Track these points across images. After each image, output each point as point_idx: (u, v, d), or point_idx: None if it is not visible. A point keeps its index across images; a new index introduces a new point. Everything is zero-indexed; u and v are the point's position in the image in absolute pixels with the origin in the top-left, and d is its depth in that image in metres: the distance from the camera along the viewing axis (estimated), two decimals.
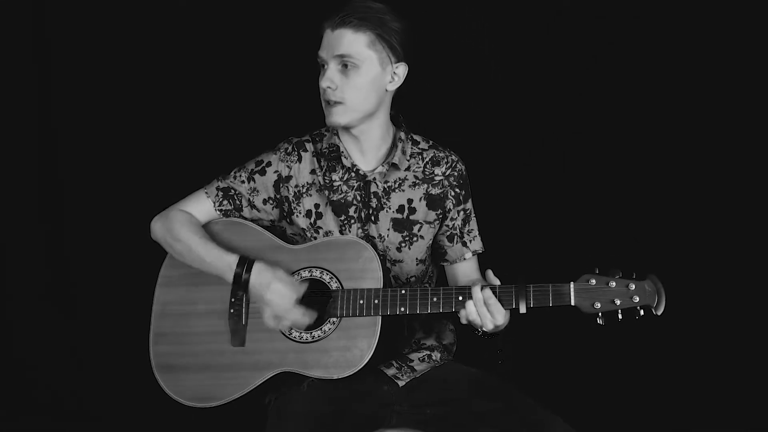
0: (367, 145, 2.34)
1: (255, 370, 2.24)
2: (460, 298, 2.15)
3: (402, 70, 2.29)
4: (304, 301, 2.22)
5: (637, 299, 2.06)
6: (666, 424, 3.13)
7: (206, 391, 2.26)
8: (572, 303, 2.09)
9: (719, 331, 3.13)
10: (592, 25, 3.15)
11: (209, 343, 2.29)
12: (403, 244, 2.36)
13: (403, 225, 2.35)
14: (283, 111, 3.13)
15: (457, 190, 2.39)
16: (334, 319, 2.22)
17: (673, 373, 3.17)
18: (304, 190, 2.36)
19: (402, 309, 2.18)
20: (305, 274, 2.28)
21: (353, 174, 2.34)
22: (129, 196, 3.31)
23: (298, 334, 2.23)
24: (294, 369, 2.21)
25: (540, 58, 3.21)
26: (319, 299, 2.26)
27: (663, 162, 3.16)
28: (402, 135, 2.38)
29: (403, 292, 2.19)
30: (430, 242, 2.40)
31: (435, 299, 2.17)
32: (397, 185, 2.35)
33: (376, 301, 2.19)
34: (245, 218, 2.38)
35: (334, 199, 2.34)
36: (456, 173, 2.40)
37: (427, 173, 2.38)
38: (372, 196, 2.34)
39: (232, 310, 2.27)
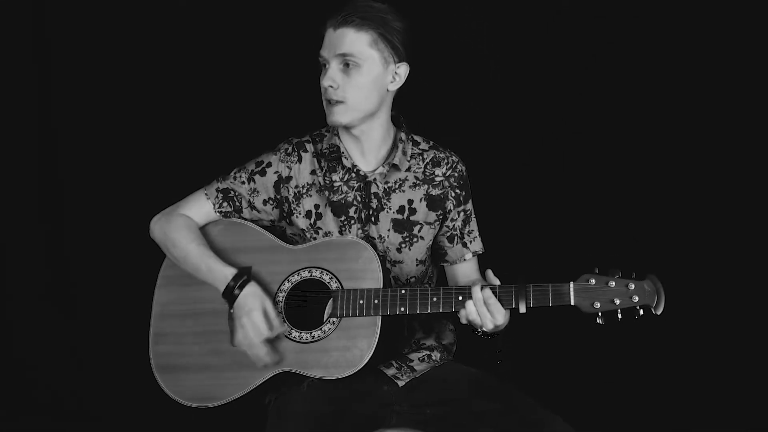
0: (368, 145, 2.34)
1: (255, 370, 2.23)
2: (460, 297, 2.15)
3: (403, 70, 2.29)
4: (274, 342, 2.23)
5: (636, 299, 2.06)
6: (666, 424, 3.13)
7: (206, 391, 2.27)
8: (572, 303, 2.09)
9: (719, 330, 3.13)
10: (591, 24, 3.15)
11: (209, 343, 2.29)
12: (403, 245, 2.36)
13: (404, 226, 2.35)
14: (283, 111, 3.13)
15: (457, 190, 2.39)
16: (334, 319, 2.22)
17: (672, 373, 3.16)
18: (304, 191, 2.36)
19: (402, 309, 2.18)
20: (305, 274, 2.28)
21: (353, 174, 2.34)
22: (129, 196, 3.31)
23: (297, 334, 2.23)
24: (294, 369, 2.21)
25: (540, 58, 3.21)
26: (319, 299, 2.27)
27: (662, 162, 3.16)
28: (402, 136, 2.38)
29: (403, 292, 2.19)
30: (430, 243, 2.40)
31: (435, 299, 2.17)
32: (397, 186, 2.35)
33: (376, 301, 2.19)
34: (245, 219, 2.38)
35: (334, 199, 2.34)
36: (456, 174, 2.40)
37: (427, 174, 2.38)
38: (372, 197, 2.34)
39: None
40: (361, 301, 2.20)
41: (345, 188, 2.34)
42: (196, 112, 3.29)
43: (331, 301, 2.24)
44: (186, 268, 2.32)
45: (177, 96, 3.29)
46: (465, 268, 2.44)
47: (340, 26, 2.22)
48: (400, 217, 2.35)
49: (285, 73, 3.15)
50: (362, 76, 2.23)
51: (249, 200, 2.37)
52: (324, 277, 2.26)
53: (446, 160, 2.40)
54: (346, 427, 2.16)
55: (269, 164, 2.37)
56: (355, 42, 2.21)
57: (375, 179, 2.34)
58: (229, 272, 2.25)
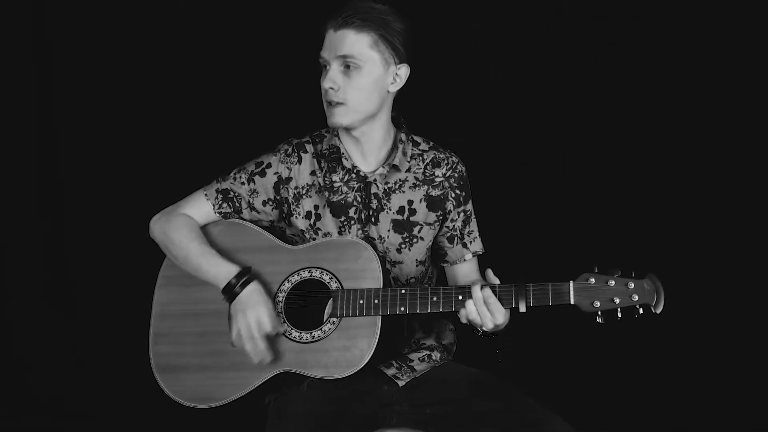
0: (368, 147, 2.34)
1: (255, 370, 2.23)
2: (460, 297, 2.15)
3: (404, 71, 2.29)
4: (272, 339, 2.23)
5: (636, 298, 2.06)
6: (666, 424, 3.13)
7: (206, 392, 2.26)
8: (572, 302, 2.09)
9: (719, 329, 3.13)
10: (592, 25, 3.15)
11: (209, 344, 2.29)
12: (403, 246, 2.35)
13: (403, 226, 2.35)
14: (283, 111, 3.14)
15: (457, 191, 2.39)
16: (334, 319, 2.22)
17: (672, 372, 3.16)
18: (304, 192, 2.36)
19: (402, 309, 2.18)
20: (305, 274, 2.28)
21: (353, 175, 2.34)
22: (129, 196, 3.31)
23: (297, 334, 2.23)
24: (294, 369, 2.21)
25: (540, 58, 3.21)
26: (319, 299, 2.27)
27: (663, 162, 3.17)
28: (402, 136, 2.38)
29: (403, 291, 2.19)
30: (430, 243, 2.40)
31: (435, 299, 2.17)
32: (397, 186, 2.35)
33: (376, 301, 2.19)
34: (245, 219, 2.38)
35: (334, 200, 2.34)
36: (456, 174, 2.40)
37: (427, 174, 2.38)
38: (372, 198, 2.34)
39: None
40: (361, 301, 2.20)
41: (345, 189, 2.34)
42: (196, 112, 3.29)
43: (331, 301, 2.24)
44: (187, 267, 2.31)
45: (177, 96, 3.29)
46: (465, 269, 2.44)
47: (340, 28, 2.21)
48: (400, 217, 2.35)
49: (285, 73, 3.15)
50: (363, 78, 2.23)
51: (249, 201, 2.37)
52: (324, 277, 2.26)
53: (446, 161, 2.40)
54: (346, 427, 2.16)
55: (269, 165, 2.37)
56: (355, 43, 2.21)
57: (375, 180, 2.34)
58: (233, 269, 2.25)
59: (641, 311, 2.07)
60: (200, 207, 2.37)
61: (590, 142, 3.19)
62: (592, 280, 2.08)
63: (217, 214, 2.37)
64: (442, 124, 2.78)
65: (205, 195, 2.38)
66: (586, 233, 3.17)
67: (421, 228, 2.36)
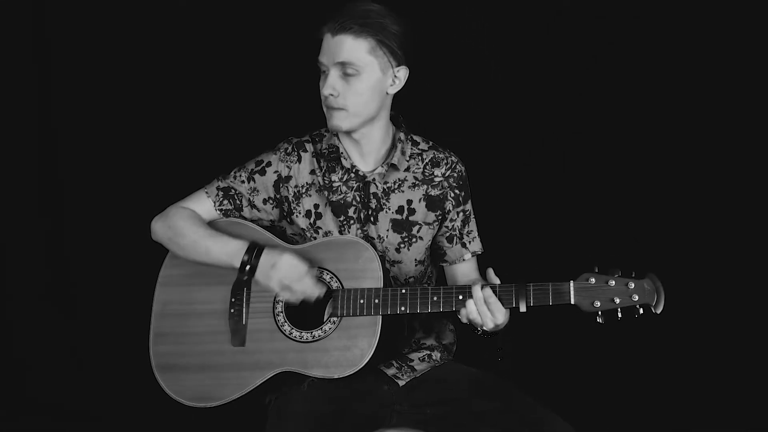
0: (367, 147, 2.34)
1: (255, 369, 2.24)
2: (461, 297, 2.16)
3: (403, 73, 2.28)
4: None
5: (636, 298, 2.06)
6: (666, 424, 3.13)
7: (206, 391, 2.26)
8: (572, 302, 2.09)
9: (719, 330, 3.13)
10: (592, 25, 3.15)
11: (209, 343, 2.29)
12: (402, 245, 2.35)
13: (402, 226, 2.35)
14: (283, 111, 3.13)
15: (456, 191, 2.39)
16: (335, 319, 2.22)
17: (672, 372, 3.17)
18: (304, 191, 2.36)
19: (402, 308, 2.18)
20: None
21: (353, 175, 2.34)
22: (129, 196, 3.31)
23: (298, 333, 2.23)
24: (294, 368, 2.21)
25: (540, 58, 3.21)
26: (319, 299, 2.27)
27: (663, 162, 3.17)
28: (402, 136, 2.38)
29: (404, 291, 2.19)
30: (429, 243, 2.40)
31: (435, 298, 2.17)
32: (396, 186, 2.35)
33: (377, 301, 2.19)
34: (245, 218, 2.38)
35: (334, 199, 2.34)
36: (456, 174, 2.40)
37: (426, 174, 2.38)
38: (371, 197, 2.34)
39: (232, 310, 2.28)
40: (362, 301, 2.20)
41: (344, 188, 2.34)
42: (196, 112, 3.28)
43: (331, 301, 2.24)
44: (195, 254, 2.31)
45: (177, 96, 3.29)
46: (464, 268, 2.44)
47: (338, 33, 2.20)
48: (399, 217, 2.35)
49: (285, 73, 3.15)
50: (362, 83, 2.23)
51: (249, 199, 2.37)
52: (324, 276, 2.26)
53: (445, 161, 2.40)
54: (347, 426, 2.16)
55: (269, 164, 2.37)
56: (353, 50, 2.20)
57: (374, 179, 2.34)
58: (242, 245, 2.26)
59: (641, 311, 2.07)
60: (201, 204, 2.37)
61: (590, 142, 3.19)
62: (593, 280, 2.08)
63: (218, 212, 2.37)
64: (442, 124, 2.78)
65: (206, 193, 2.38)
66: (586, 233, 3.17)
67: (420, 227, 2.37)
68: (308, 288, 2.21)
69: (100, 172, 3.36)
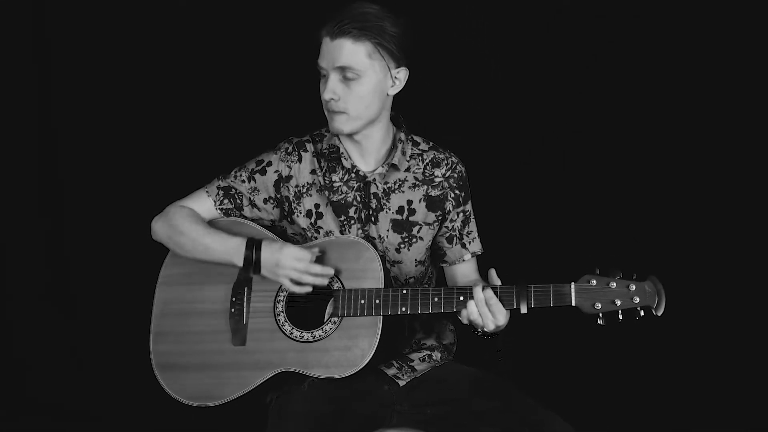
0: (368, 147, 2.34)
1: (255, 369, 2.24)
2: (461, 298, 2.15)
3: (403, 74, 2.28)
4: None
5: (637, 300, 2.06)
6: (666, 424, 3.13)
7: (207, 391, 2.26)
8: (573, 303, 2.09)
9: (719, 331, 3.13)
10: (592, 23, 3.15)
11: (210, 342, 2.29)
12: (402, 246, 2.35)
13: (403, 226, 2.35)
14: (284, 111, 3.13)
15: (456, 191, 2.39)
16: (335, 319, 2.22)
17: (673, 374, 3.17)
18: (304, 190, 2.36)
19: (403, 309, 2.18)
20: None
21: (353, 175, 2.34)
22: (129, 196, 3.31)
23: (299, 333, 2.23)
24: (295, 368, 2.21)
25: (540, 57, 3.21)
26: (320, 299, 2.27)
27: (663, 161, 3.17)
28: (402, 136, 2.38)
29: (405, 292, 2.19)
30: (430, 243, 2.40)
31: (436, 299, 2.17)
32: (396, 186, 2.35)
33: (378, 301, 2.19)
34: (246, 217, 2.38)
35: (334, 199, 2.34)
36: (456, 175, 2.40)
37: (427, 175, 2.38)
38: (372, 197, 2.34)
39: (233, 309, 2.27)
40: (363, 301, 2.20)
41: (345, 188, 2.34)
42: (196, 112, 3.29)
43: (332, 301, 2.24)
44: (195, 251, 2.31)
45: (177, 96, 3.29)
46: (464, 269, 2.44)
47: (336, 37, 2.19)
48: (399, 217, 2.35)
49: (285, 72, 3.15)
50: (362, 86, 2.22)
51: (250, 198, 2.37)
52: None
53: (446, 161, 2.40)
54: (347, 426, 2.16)
55: (269, 163, 2.37)
56: (353, 54, 2.19)
57: (374, 179, 2.34)
58: (239, 241, 2.26)
59: (642, 313, 2.07)
60: (202, 203, 2.37)
61: (590, 141, 3.19)
62: (594, 281, 2.08)
63: (218, 210, 2.37)
64: (442, 123, 2.79)
65: (206, 192, 2.38)
66: (587, 233, 3.17)
67: (420, 228, 2.36)
68: (318, 273, 2.22)
69: (100, 172, 3.36)
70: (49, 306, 3.43)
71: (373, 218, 2.33)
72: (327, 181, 2.35)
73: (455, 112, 3.21)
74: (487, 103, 3.23)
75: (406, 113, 2.41)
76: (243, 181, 2.37)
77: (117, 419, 3.32)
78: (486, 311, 2.12)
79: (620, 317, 2.08)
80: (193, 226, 2.31)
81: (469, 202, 2.43)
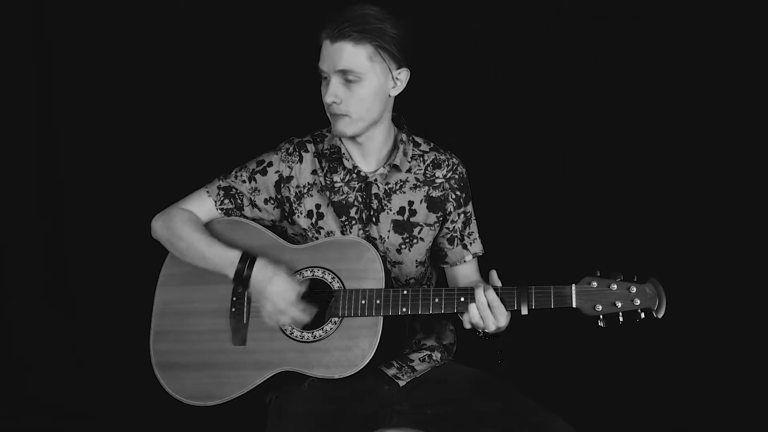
0: (370, 148, 2.34)
1: (256, 369, 2.24)
2: (462, 299, 2.15)
3: (404, 75, 2.28)
4: (305, 299, 2.23)
5: (638, 302, 2.06)
6: (666, 425, 3.13)
7: (207, 390, 2.26)
8: (573, 305, 2.09)
9: (719, 334, 3.13)
10: (592, 25, 3.16)
11: (210, 342, 2.29)
12: (403, 246, 2.35)
13: (404, 227, 2.35)
14: (284, 111, 3.14)
15: (458, 192, 2.39)
16: (336, 319, 2.22)
17: (673, 375, 3.17)
18: (305, 191, 2.36)
19: (404, 309, 2.18)
20: (307, 273, 2.28)
21: (354, 175, 2.34)
22: (129, 196, 3.31)
23: (299, 333, 2.23)
24: (295, 368, 2.21)
25: (540, 58, 3.21)
26: (321, 299, 2.27)
27: (663, 162, 3.17)
28: (403, 136, 2.38)
29: (405, 292, 2.19)
30: (430, 244, 2.40)
31: (437, 300, 2.17)
32: (398, 187, 2.35)
33: (378, 302, 2.19)
34: (246, 217, 2.38)
35: (335, 200, 2.34)
36: (457, 176, 2.40)
37: (428, 175, 2.38)
38: (373, 198, 2.34)
39: (233, 309, 2.28)
40: (363, 301, 2.20)
41: (346, 189, 2.34)
42: (197, 113, 3.29)
43: (332, 301, 2.24)
44: (191, 258, 2.31)
45: (177, 96, 3.29)
46: (465, 270, 2.44)
47: (337, 40, 2.18)
48: (400, 218, 2.35)
49: (285, 72, 3.15)
50: (364, 89, 2.21)
51: (250, 198, 2.37)
52: (326, 276, 2.26)
53: (447, 162, 2.40)
54: (347, 427, 2.16)
55: (270, 163, 2.37)
56: (353, 57, 2.19)
57: (376, 180, 2.34)
58: (234, 255, 2.25)
59: (643, 315, 2.07)
60: (202, 203, 2.37)
61: (590, 142, 3.20)
62: (594, 283, 2.08)
63: (219, 210, 2.37)
64: (442, 124, 2.79)
65: (207, 192, 2.38)
66: (588, 235, 3.17)
67: (421, 229, 2.36)
68: (297, 315, 2.21)
69: (100, 172, 3.37)
70: (49, 306, 3.43)
71: (374, 219, 2.34)
72: (328, 182, 2.35)
73: (455, 114, 3.22)
74: (488, 105, 3.24)
75: (406, 114, 2.41)
76: (244, 182, 2.37)
77: (117, 419, 3.33)
78: (488, 314, 2.12)
79: (621, 319, 2.08)
80: (191, 232, 2.31)
81: (470, 203, 2.43)
